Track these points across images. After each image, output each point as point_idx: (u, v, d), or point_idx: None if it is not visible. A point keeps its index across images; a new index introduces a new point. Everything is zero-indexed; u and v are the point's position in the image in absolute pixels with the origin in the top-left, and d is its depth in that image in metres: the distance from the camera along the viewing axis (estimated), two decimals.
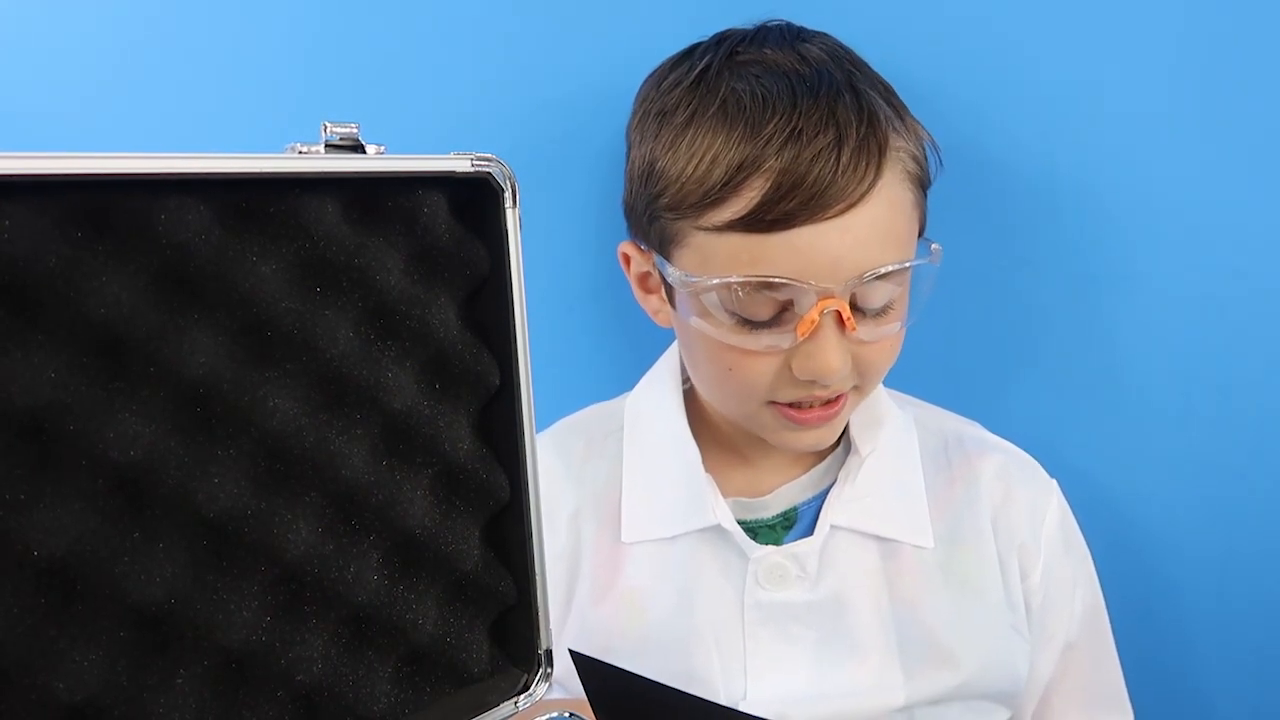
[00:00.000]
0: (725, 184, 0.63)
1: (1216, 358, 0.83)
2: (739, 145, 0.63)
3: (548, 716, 0.62)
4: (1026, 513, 0.76)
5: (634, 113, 0.72)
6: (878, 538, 0.73)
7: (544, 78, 0.82)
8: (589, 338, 0.88)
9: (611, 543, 0.75)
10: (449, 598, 0.54)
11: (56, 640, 0.40)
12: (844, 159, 0.62)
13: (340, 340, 0.48)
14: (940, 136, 0.71)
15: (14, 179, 0.36)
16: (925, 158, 0.69)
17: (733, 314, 0.65)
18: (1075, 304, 0.84)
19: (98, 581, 0.41)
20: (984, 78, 0.81)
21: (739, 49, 0.68)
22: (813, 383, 0.66)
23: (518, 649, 0.57)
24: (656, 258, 0.69)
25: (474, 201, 0.52)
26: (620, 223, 0.75)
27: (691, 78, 0.67)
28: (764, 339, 0.65)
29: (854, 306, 0.65)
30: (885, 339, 0.68)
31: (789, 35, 0.70)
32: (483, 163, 0.51)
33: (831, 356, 0.65)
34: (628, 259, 0.74)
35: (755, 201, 0.62)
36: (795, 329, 0.64)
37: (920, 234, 0.70)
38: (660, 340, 0.79)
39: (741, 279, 0.64)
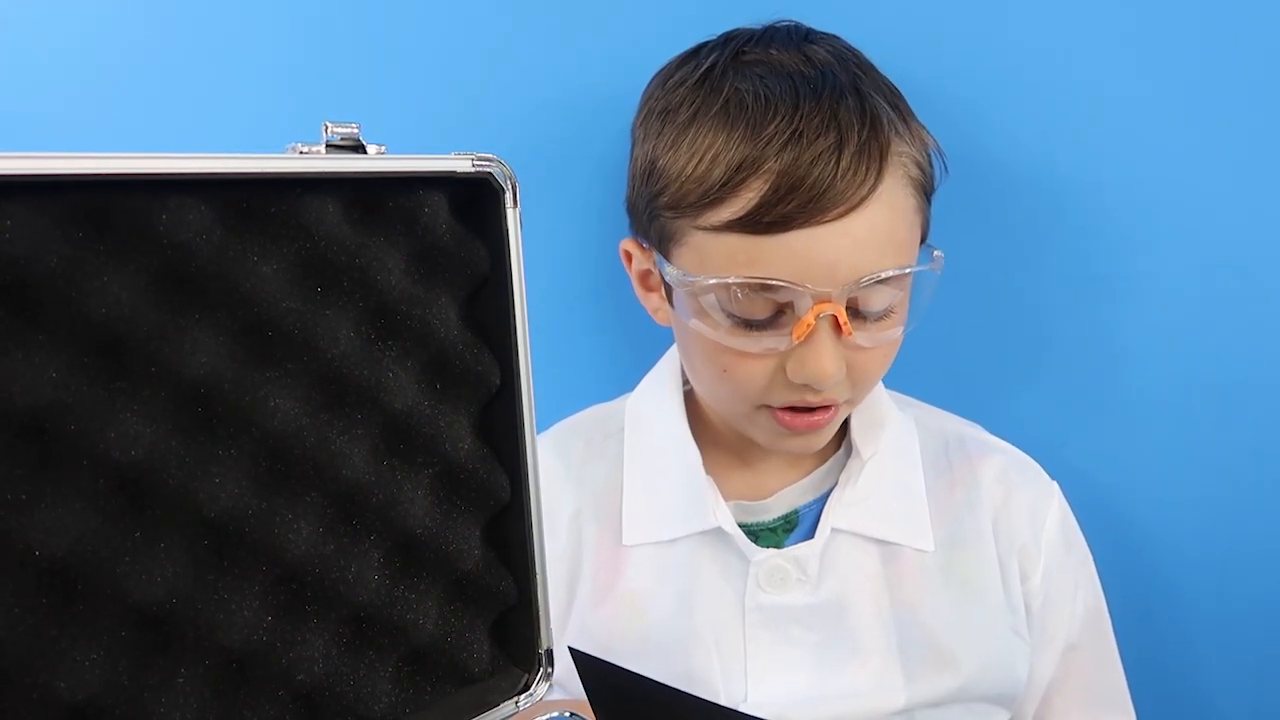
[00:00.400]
0: (724, 184, 0.63)
1: (1217, 359, 0.83)
2: (739, 145, 0.63)
3: (548, 716, 0.62)
4: (1027, 515, 0.76)
5: (639, 110, 0.72)
6: (878, 541, 0.73)
7: (544, 78, 0.82)
8: (589, 338, 0.88)
9: (612, 545, 0.74)
10: (449, 597, 0.55)
11: (57, 640, 0.40)
12: (844, 162, 0.62)
13: (341, 340, 0.48)
14: (942, 137, 0.71)
15: (14, 179, 0.36)
16: (929, 164, 0.68)
17: (729, 315, 0.65)
18: (1076, 305, 0.84)
19: (99, 581, 0.41)
20: (986, 78, 0.81)
21: (745, 49, 0.68)
22: (806, 387, 0.66)
23: (518, 649, 0.57)
24: (656, 256, 0.69)
25: (474, 201, 0.52)
26: (621, 222, 0.75)
27: (696, 76, 0.67)
28: (759, 341, 0.65)
29: (853, 311, 0.65)
30: (882, 345, 0.67)
31: (796, 36, 0.69)
32: (483, 163, 0.51)
33: (826, 361, 0.64)
34: (629, 256, 0.74)
35: (754, 202, 0.62)
36: (791, 332, 0.64)
37: (923, 240, 0.70)
38: (661, 341, 0.79)
39: (738, 280, 0.63)
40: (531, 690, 0.56)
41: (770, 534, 0.75)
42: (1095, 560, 0.80)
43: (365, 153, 0.47)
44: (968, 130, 0.81)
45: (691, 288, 0.66)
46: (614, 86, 0.80)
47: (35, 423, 0.39)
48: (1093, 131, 0.81)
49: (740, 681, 0.71)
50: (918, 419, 0.79)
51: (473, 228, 0.52)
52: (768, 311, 0.65)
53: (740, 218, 0.63)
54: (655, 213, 0.68)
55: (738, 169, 0.62)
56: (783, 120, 0.62)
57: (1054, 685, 0.78)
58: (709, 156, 0.64)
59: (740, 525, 0.73)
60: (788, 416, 0.68)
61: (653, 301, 0.74)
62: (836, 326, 0.64)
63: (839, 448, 0.78)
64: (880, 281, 0.64)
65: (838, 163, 0.61)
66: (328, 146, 0.46)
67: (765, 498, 0.75)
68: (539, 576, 0.56)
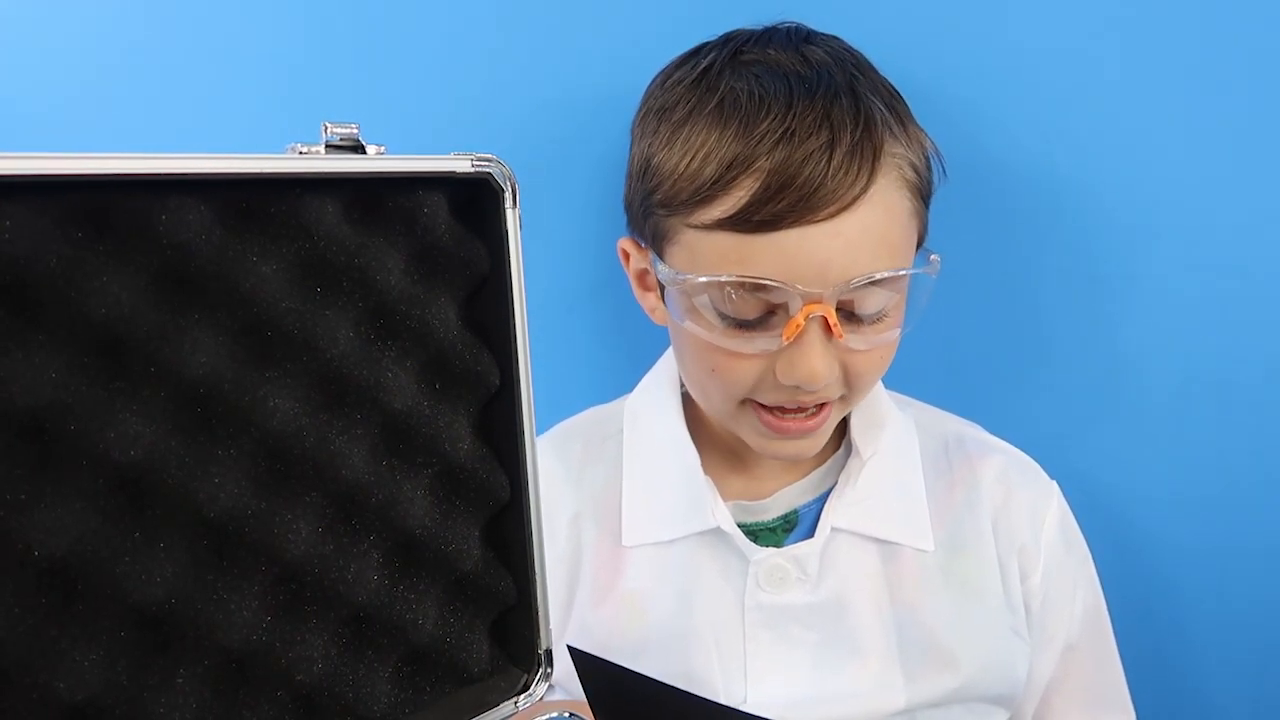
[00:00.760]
0: (715, 181, 0.63)
1: (1216, 359, 0.83)
2: (732, 143, 0.63)
3: (547, 717, 0.62)
4: (1027, 515, 0.76)
5: (638, 109, 0.72)
6: (878, 540, 0.73)
7: (544, 78, 0.82)
8: (589, 338, 0.88)
9: (612, 545, 0.74)
10: (449, 598, 0.55)
11: (57, 640, 0.40)
12: (835, 161, 0.61)
13: (340, 340, 0.48)
14: (942, 136, 0.70)
15: (14, 179, 0.36)
16: (927, 167, 0.68)
17: (721, 314, 0.65)
18: (1076, 305, 0.84)
19: (98, 581, 0.41)
20: (986, 79, 0.81)
21: (744, 49, 0.68)
22: (796, 388, 0.66)
23: (518, 649, 0.57)
24: (651, 255, 0.69)
25: (474, 201, 0.52)
26: (620, 221, 0.75)
27: (694, 75, 0.67)
28: (750, 341, 0.65)
29: (846, 313, 0.65)
30: (875, 348, 0.67)
31: (796, 37, 0.69)
32: (483, 163, 0.51)
33: (816, 362, 0.64)
34: (627, 255, 0.74)
35: (744, 201, 0.62)
36: (782, 332, 0.64)
37: (920, 244, 0.69)
38: (660, 341, 0.79)
39: (727, 279, 0.63)
40: (531, 690, 0.56)
41: (770, 534, 0.75)
42: (1095, 560, 0.80)
43: (365, 153, 0.47)
44: (967, 129, 0.81)
45: (683, 286, 0.66)
46: (614, 86, 0.80)
47: (35, 423, 0.39)
48: (1091, 131, 0.81)
49: (740, 681, 0.71)
50: (917, 419, 0.79)
51: (472, 228, 0.52)
52: (758, 311, 0.64)
53: (731, 216, 0.62)
54: (649, 210, 0.68)
55: (729, 167, 0.62)
56: (775, 119, 0.62)
57: (1053, 685, 0.78)
58: (701, 154, 0.64)
59: (740, 525, 0.73)
60: (775, 419, 0.68)
61: (650, 301, 0.74)
62: (827, 328, 0.64)
63: (838, 447, 0.78)
64: (872, 283, 0.63)
65: (829, 162, 0.61)
66: (327, 147, 0.46)
67: (764, 498, 0.75)
68: (538, 577, 0.56)
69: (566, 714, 0.62)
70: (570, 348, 0.87)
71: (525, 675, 0.57)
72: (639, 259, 0.72)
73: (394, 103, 0.82)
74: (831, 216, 0.62)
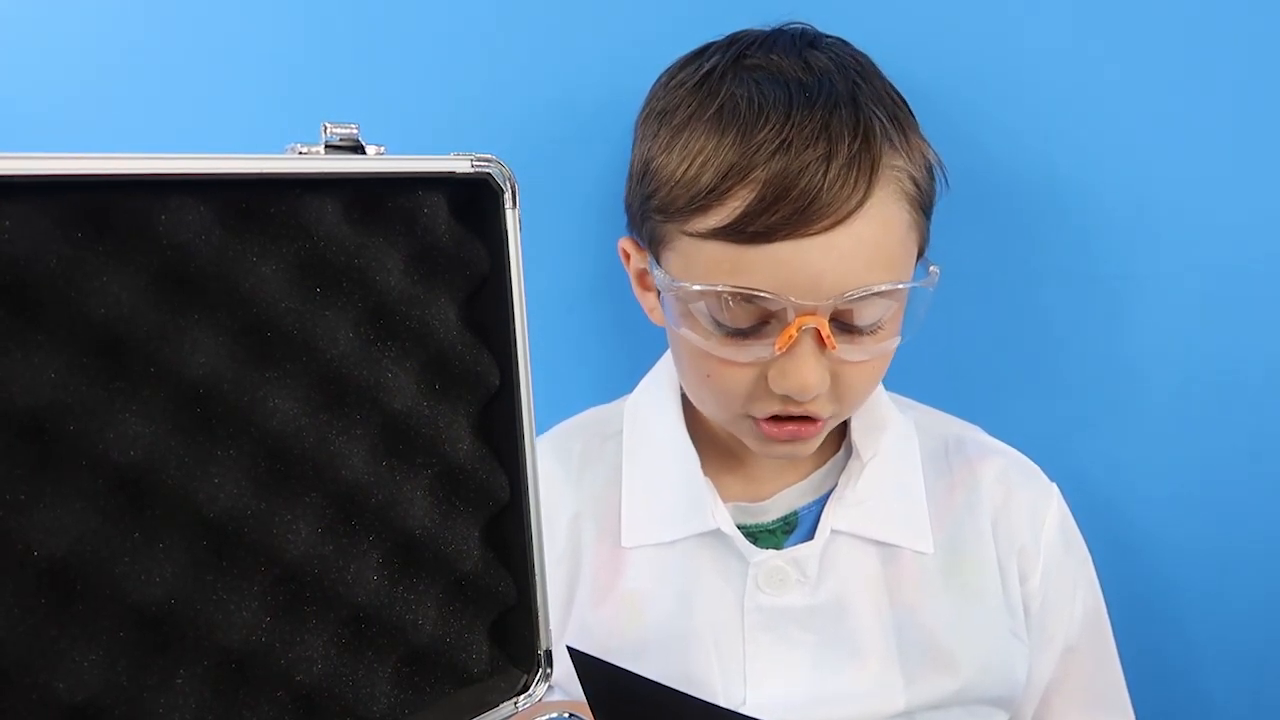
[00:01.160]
0: (711, 190, 0.62)
1: (1217, 359, 0.83)
2: (729, 151, 0.62)
3: (547, 717, 0.62)
4: (1027, 516, 0.76)
5: (642, 108, 0.72)
6: (878, 542, 0.73)
7: (544, 78, 0.82)
8: (589, 338, 0.88)
9: (611, 547, 0.74)
10: (449, 598, 0.55)
11: (57, 640, 0.40)
12: (832, 173, 0.61)
13: (340, 340, 0.48)
14: (941, 138, 0.70)
15: (14, 179, 0.36)
16: (928, 179, 0.67)
17: (715, 322, 0.65)
18: (1076, 306, 0.84)
19: (98, 581, 0.41)
20: (986, 79, 0.81)
21: (747, 52, 0.67)
22: (788, 397, 0.65)
23: (517, 649, 0.57)
24: (649, 257, 0.69)
25: (474, 202, 0.52)
26: (621, 221, 0.75)
27: (696, 78, 0.67)
28: (743, 349, 0.65)
29: (840, 324, 0.64)
30: (869, 360, 0.66)
31: (801, 41, 0.68)
32: (482, 163, 0.51)
33: (808, 373, 0.64)
34: (628, 255, 0.74)
35: (739, 211, 0.62)
36: (775, 342, 0.63)
37: (920, 255, 0.69)
38: (660, 341, 0.79)
39: (721, 288, 0.63)
40: (530, 691, 0.56)
41: (769, 535, 0.75)
42: (1095, 561, 0.80)
43: (364, 153, 0.47)
44: (966, 130, 0.81)
45: (679, 293, 0.65)
46: (614, 87, 0.80)
47: (35, 423, 0.39)
48: (1091, 132, 0.81)
49: (739, 683, 0.71)
50: (918, 421, 0.79)
51: (472, 228, 0.52)
52: (752, 320, 0.64)
53: (726, 226, 0.62)
54: (647, 215, 0.68)
55: (725, 175, 0.62)
56: (773, 128, 0.61)
57: (1053, 687, 0.78)
58: (699, 161, 0.63)
59: (739, 527, 0.73)
60: (770, 426, 0.68)
61: (649, 301, 0.74)
62: (820, 339, 0.63)
63: (839, 449, 0.77)
64: (866, 297, 0.63)
65: (826, 173, 0.60)
66: (327, 147, 0.46)
67: (764, 499, 0.75)
68: (538, 577, 0.56)
69: (566, 714, 0.62)
70: (570, 348, 0.87)
71: (525, 676, 0.57)
72: (639, 259, 0.72)
73: (394, 103, 0.82)
74: (827, 229, 0.61)
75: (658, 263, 0.68)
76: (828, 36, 0.70)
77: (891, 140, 0.64)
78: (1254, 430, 0.84)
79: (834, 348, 0.63)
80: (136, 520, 0.42)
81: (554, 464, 0.77)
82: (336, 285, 0.48)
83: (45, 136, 0.80)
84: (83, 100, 0.79)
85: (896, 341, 0.68)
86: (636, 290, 0.75)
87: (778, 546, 0.74)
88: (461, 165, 0.50)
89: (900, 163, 0.64)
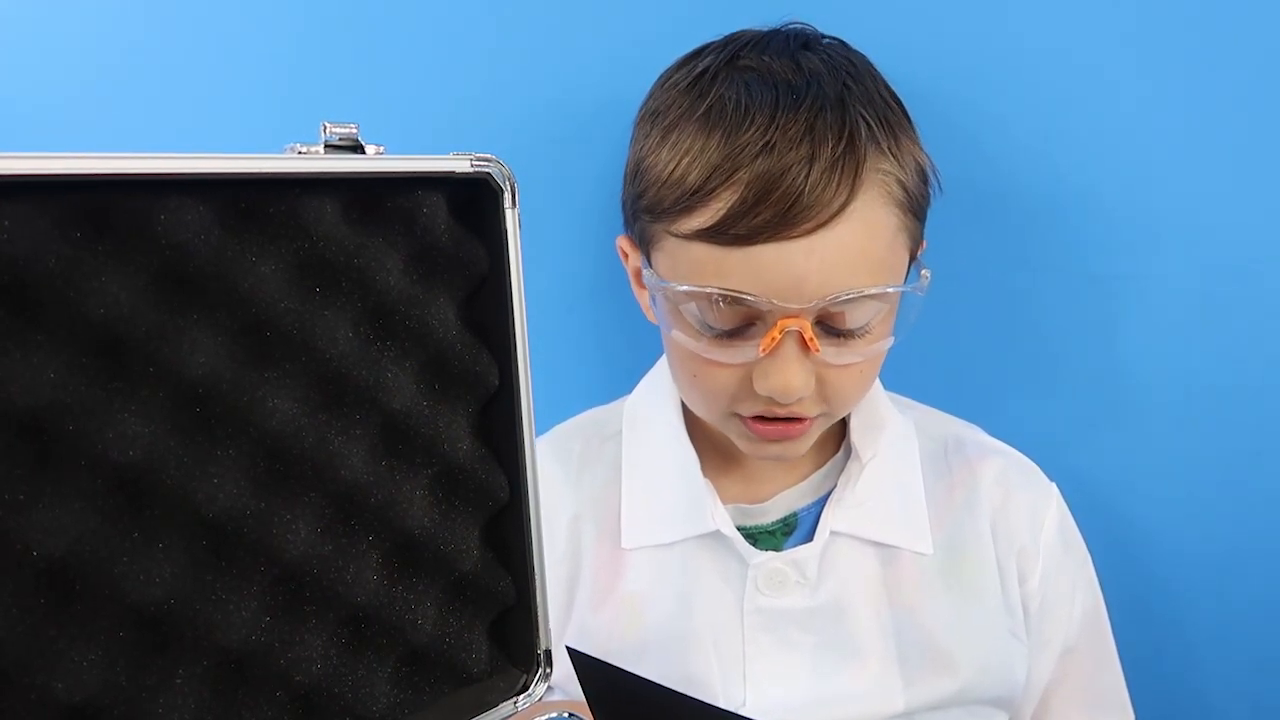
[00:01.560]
0: (696, 192, 0.62)
1: (1217, 360, 0.83)
2: (714, 152, 0.62)
3: (547, 717, 0.62)
4: (1026, 517, 0.76)
5: (639, 108, 0.72)
6: (877, 544, 0.73)
7: (544, 77, 0.82)
8: (589, 338, 0.88)
9: (611, 548, 0.74)
10: (448, 598, 0.54)
11: (56, 640, 0.40)
12: (814, 175, 0.60)
13: (339, 340, 0.48)
14: (940, 138, 0.70)
15: (14, 179, 0.36)
16: (919, 183, 0.66)
17: (702, 322, 0.65)
18: (1076, 306, 0.84)
19: (97, 581, 0.41)
20: (985, 78, 0.81)
21: (741, 53, 0.67)
22: (771, 398, 0.65)
23: (517, 649, 0.57)
24: (641, 256, 0.70)
25: (473, 201, 0.52)
26: (620, 220, 0.75)
27: (689, 79, 0.67)
28: (730, 351, 0.65)
29: (826, 326, 0.64)
30: (855, 364, 0.66)
31: (795, 43, 0.68)
32: (482, 163, 0.51)
33: (790, 376, 0.64)
34: (625, 253, 0.74)
35: (722, 213, 0.61)
36: (759, 344, 0.63)
37: (913, 258, 0.69)
38: (659, 342, 0.79)
39: (704, 290, 0.63)
40: (530, 691, 0.56)
41: (769, 537, 0.75)
42: (1095, 561, 0.80)
43: (364, 153, 0.47)
44: (966, 130, 0.81)
45: (666, 293, 0.66)
46: (613, 86, 0.80)
47: (34, 423, 0.39)
48: (1092, 133, 0.81)
49: (739, 684, 0.71)
50: (917, 421, 0.79)
51: (471, 228, 0.52)
52: (737, 322, 0.64)
53: (709, 227, 0.62)
54: (637, 214, 0.68)
55: (710, 176, 0.62)
56: (758, 130, 0.61)
57: (1052, 687, 0.78)
58: (685, 162, 0.63)
59: (739, 528, 0.73)
60: (758, 425, 0.68)
61: (645, 299, 0.74)
62: (803, 342, 0.63)
63: (838, 450, 0.77)
64: (849, 301, 0.62)
65: (808, 176, 0.60)
66: (326, 147, 0.46)
67: (763, 500, 0.75)
68: (538, 577, 0.56)
69: (566, 714, 0.62)
70: (570, 348, 0.87)
71: (524, 676, 0.56)
72: (635, 257, 0.72)
73: (393, 103, 0.82)
74: (809, 233, 0.61)
75: (649, 263, 0.68)
76: (826, 37, 0.70)
77: (879, 143, 0.63)
78: (1254, 430, 0.84)
79: (817, 350, 0.63)
80: (136, 520, 0.42)
81: (553, 465, 0.77)
82: (336, 285, 0.48)
83: (45, 136, 0.80)
84: (82, 100, 0.79)
85: (886, 344, 0.67)
86: (634, 288, 0.75)
87: (777, 548, 0.74)
88: (461, 165, 0.50)
89: (887, 166, 0.64)
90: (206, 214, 0.43)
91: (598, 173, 0.83)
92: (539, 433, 0.65)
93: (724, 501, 0.74)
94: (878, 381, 0.76)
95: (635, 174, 0.68)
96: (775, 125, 0.61)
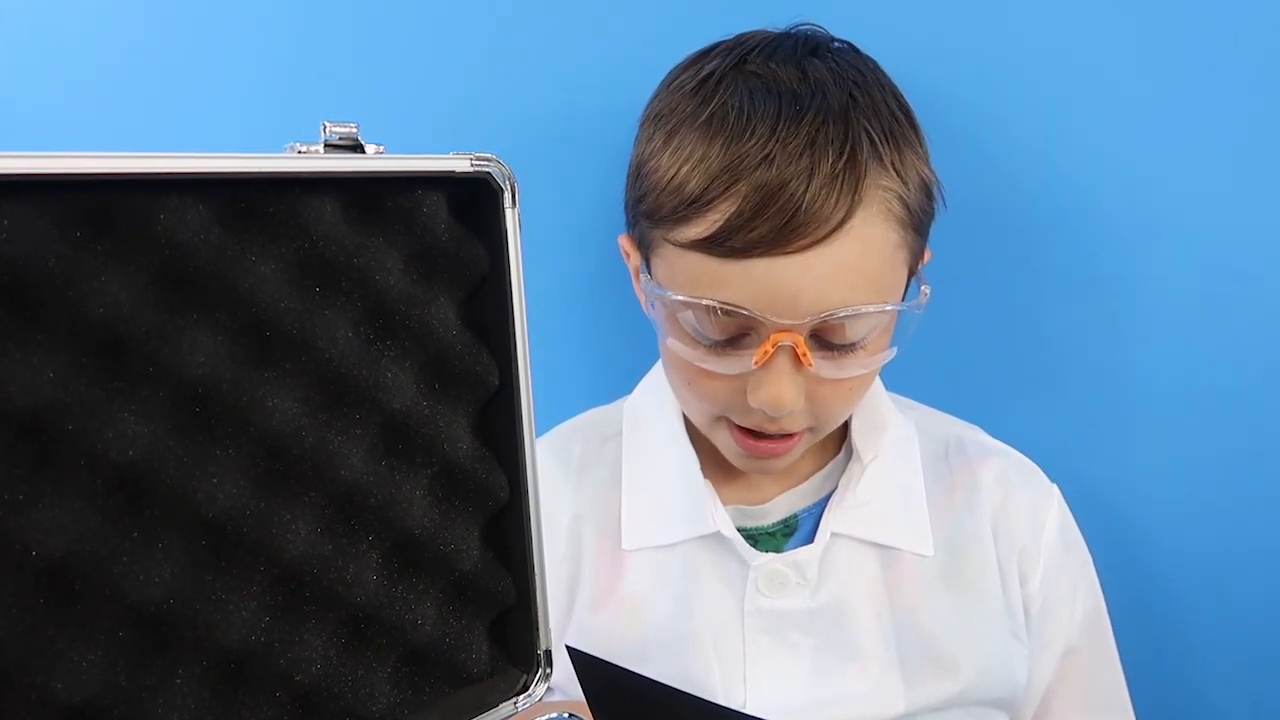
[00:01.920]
0: (695, 200, 0.62)
1: (1217, 360, 0.83)
2: (714, 162, 0.61)
3: (547, 717, 0.62)
4: (1027, 518, 0.76)
5: (646, 106, 0.71)
6: (878, 545, 0.73)
7: (544, 77, 0.82)
8: (589, 338, 0.88)
9: (612, 549, 0.74)
10: (448, 598, 0.54)
11: (55, 640, 0.40)
12: (813, 190, 0.59)
13: (339, 340, 0.48)
14: (941, 139, 0.70)
15: (14, 179, 0.36)
16: (921, 199, 0.65)
17: (697, 331, 0.65)
18: (1076, 307, 0.84)
19: (97, 581, 0.41)
20: (985, 78, 0.81)
21: (749, 57, 0.66)
22: (763, 412, 0.65)
23: (517, 649, 0.57)
24: (640, 260, 0.69)
25: (473, 201, 0.52)
26: (621, 220, 0.75)
27: (694, 82, 0.66)
28: (723, 361, 0.64)
29: (820, 340, 0.64)
30: (848, 379, 0.65)
31: (804, 48, 0.67)
32: (482, 162, 0.51)
33: (783, 390, 0.63)
34: (627, 253, 0.74)
35: (719, 224, 0.61)
36: (753, 356, 0.63)
37: (913, 274, 0.68)
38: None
39: (699, 300, 0.62)
40: (530, 691, 0.56)
41: (769, 538, 0.75)
42: (1095, 561, 0.80)
43: (364, 152, 0.46)
44: (967, 131, 0.81)
45: (662, 300, 0.65)
46: (614, 87, 0.80)
47: (34, 423, 0.39)
48: (1092, 134, 0.81)
49: (739, 686, 0.71)
50: (918, 422, 0.78)
51: (471, 228, 0.52)
52: (731, 333, 0.64)
53: (706, 238, 0.61)
54: (638, 218, 0.68)
55: (709, 186, 0.61)
56: (759, 141, 0.60)
57: (1053, 688, 0.77)
58: (685, 168, 0.63)
59: (739, 530, 0.73)
60: (747, 439, 0.68)
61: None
62: (796, 356, 0.63)
63: (839, 451, 0.77)
64: (846, 317, 0.62)
65: (806, 190, 0.59)
66: (326, 146, 0.46)
67: (764, 502, 0.75)
68: (538, 577, 0.56)
69: (566, 714, 0.62)
70: (570, 348, 0.87)
71: (524, 676, 0.56)
72: (636, 258, 0.72)
73: (393, 103, 0.82)
74: (806, 248, 0.60)
75: (647, 268, 0.68)
76: (836, 41, 0.69)
77: (881, 158, 0.62)
78: (1254, 431, 0.84)
79: (810, 365, 0.63)
80: (135, 520, 0.42)
81: (553, 466, 0.77)
82: (335, 285, 0.48)
83: (45, 136, 0.80)
84: (82, 100, 0.79)
85: (881, 359, 0.67)
86: (636, 288, 0.75)
87: (778, 549, 0.73)
88: (461, 165, 0.50)
89: (888, 181, 0.63)
90: (206, 213, 0.42)
91: (598, 173, 0.83)
92: (539, 433, 0.65)
93: (724, 503, 0.74)
94: (879, 382, 0.76)
95: (637, 176, 0.68)
96: (776, 137, 0.60)
